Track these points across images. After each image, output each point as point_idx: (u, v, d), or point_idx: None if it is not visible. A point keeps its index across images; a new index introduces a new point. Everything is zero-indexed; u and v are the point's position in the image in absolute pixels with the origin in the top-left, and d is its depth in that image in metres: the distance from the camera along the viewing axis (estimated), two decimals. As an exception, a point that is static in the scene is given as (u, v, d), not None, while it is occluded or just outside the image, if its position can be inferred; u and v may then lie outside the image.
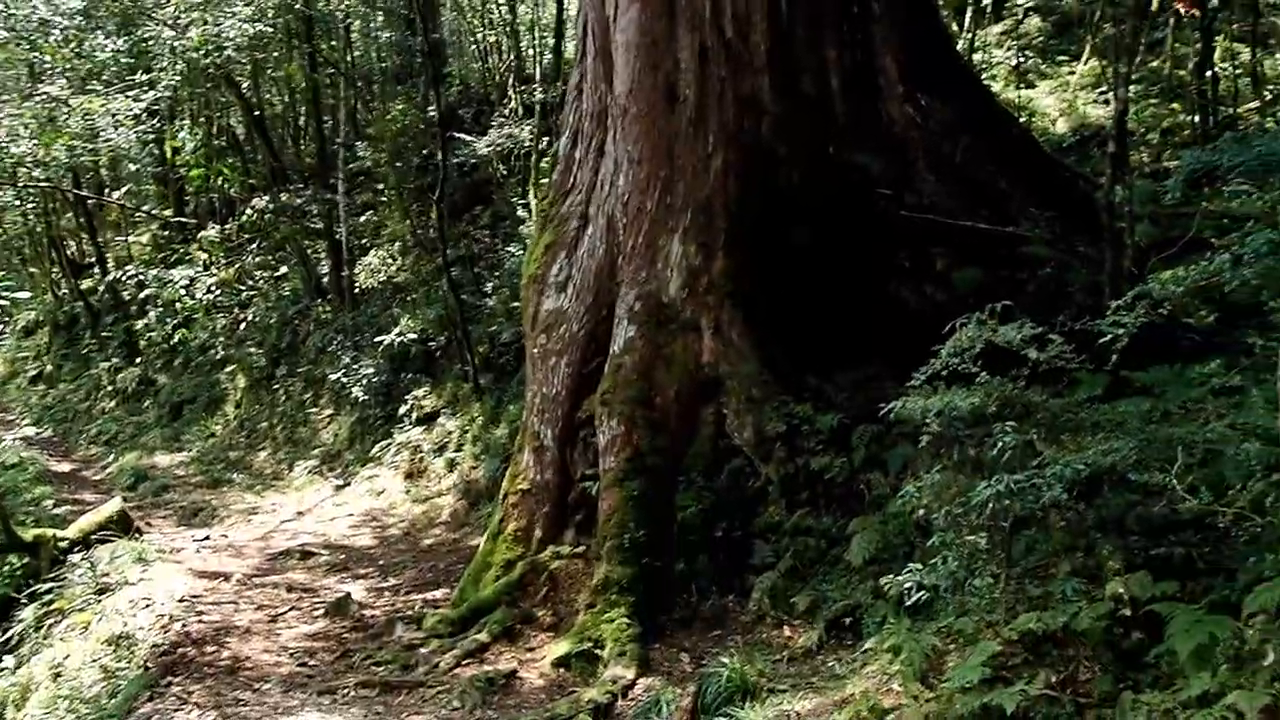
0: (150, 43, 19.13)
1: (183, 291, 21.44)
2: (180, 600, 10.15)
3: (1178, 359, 6.85)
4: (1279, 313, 4.10)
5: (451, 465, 14.45)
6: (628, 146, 9.43)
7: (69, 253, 29.41)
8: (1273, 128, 10.02)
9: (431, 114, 17.44)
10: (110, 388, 24.26)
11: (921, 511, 6.01)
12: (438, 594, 10.43)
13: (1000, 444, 5.46)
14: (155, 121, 21.54)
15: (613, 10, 9.59)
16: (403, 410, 15.94)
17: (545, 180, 13.77)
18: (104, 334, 25.75)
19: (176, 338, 22.63)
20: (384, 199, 20.42)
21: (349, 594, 10.25)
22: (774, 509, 8.53)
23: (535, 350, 9.95)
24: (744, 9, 9.52)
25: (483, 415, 14.45)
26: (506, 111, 19.48)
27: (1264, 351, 4.44)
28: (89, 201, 26.46)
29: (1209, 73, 12.49)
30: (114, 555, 11.18)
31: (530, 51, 21.59)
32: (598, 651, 7.79)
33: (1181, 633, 4.62)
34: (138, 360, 24.16)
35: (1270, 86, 13.42)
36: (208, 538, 13.39)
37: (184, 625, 9.39)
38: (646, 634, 7.92)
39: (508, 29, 22.27)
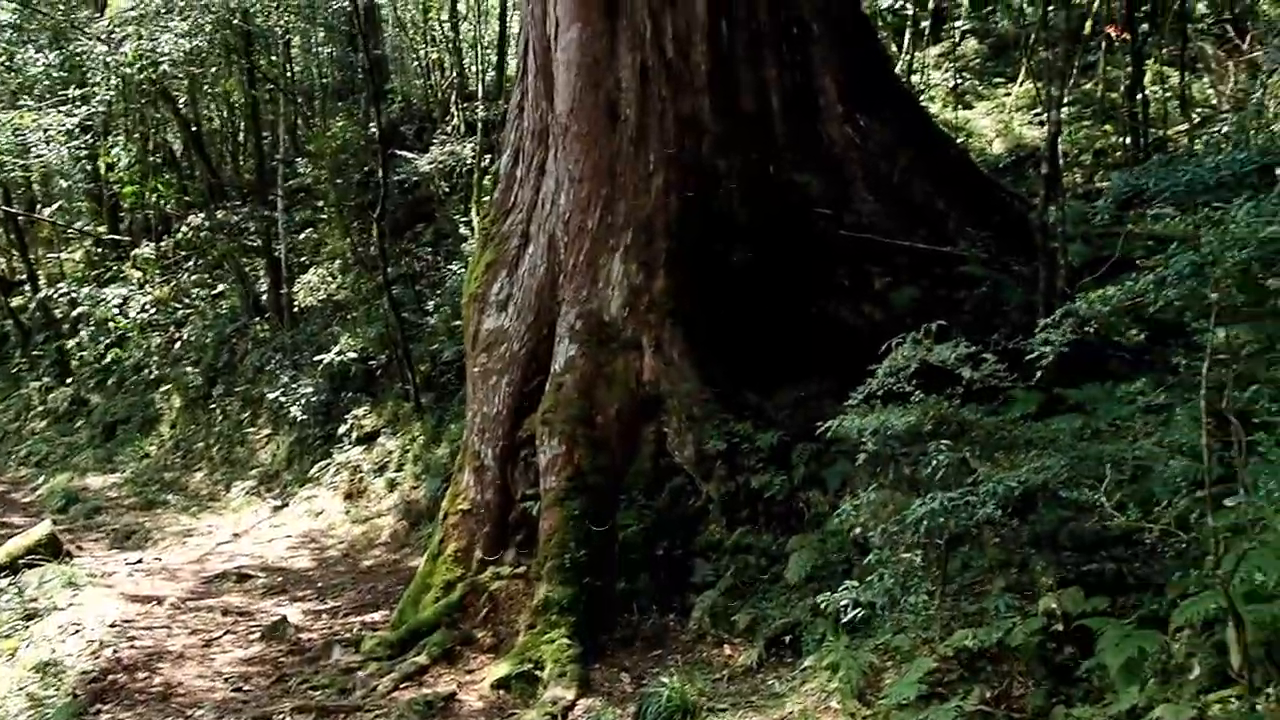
0: (83, 57, 18.82)
1: (116, 310, 21.07)
2: (111, 625, 9.93)
3: (1109, 377, 6.99)
4: (1202, 333, 4.17)
5: (392, 485, 14.31)
6: (569, 165, 9.44)
7: (-1, 269, 28.82)
8: (1200, 150, 10.25)
9: (373, 131, 17.35)
10: (41, 408, 23.75)
11: (858, 529, 6.07)
12: (377, 616, 10.31)
13: (935, 462, 5.52)
14: (88, 137, 21.21)
15: (554, 29, 9.61)
16: (342, 430, 15.76)
17: (488, 198, 13.75)
18: (35, 353, 25.22)
19: (109, 357, 22.22)
20: (324, 216, 20.26)
21: (285, 617, 10.10)
22: (715, 527, 8.54)
23: (476, 369, 9.90)
24: (684, 29, 9.58)
25: (424, 435, 14.34)
26: (449, 129, 19.42)
27: (1189, 371, 4.52)
28: (19, 218, 25.95)
29: (1140, 96, 12.78)
30: (43, 580, 10.91)
31: (473, 69, 21.56)
32: (538, 672, 7.73)
33: (1111, 647, 4.70)
34: (69, 380, 23.68)
35: (1199, 109, 13.75)
36: (141, 561, 13.13)
37: (115, 651, 9.18)
38: (587, 654, 7.88)
39: (450, 46, 22.25)
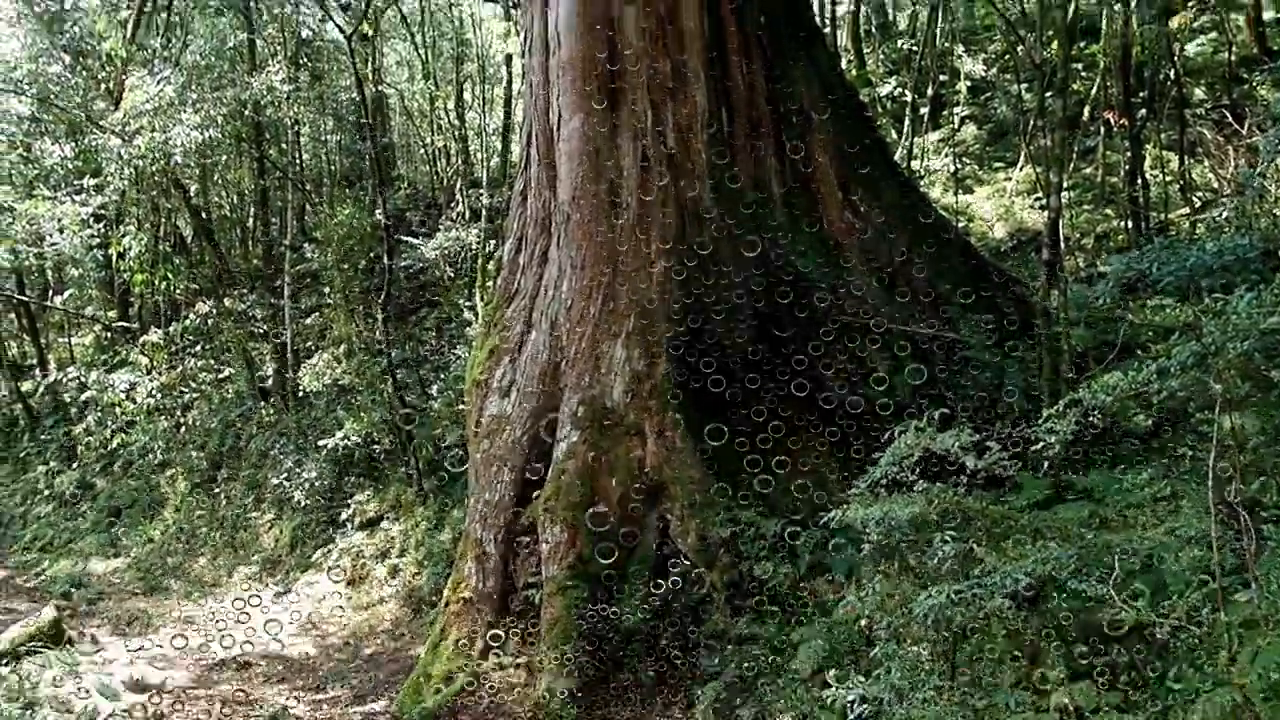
0: (98, 150, 19.08)
1: (123, 395, 21.10)
2: (110, 715, 9.78)
3: (1117, 464, 6.92)
4: (1208, 423, 4.12)
5: (394, 572, 14.16)
6: (571, 252, 9.50)
7: (10, 354, 28.94)
8: (1202, 235, 10.28)
9: (379, 217, 17.52)
10: (47, 492, 23.66)
11: (864, 621, 5.95)
12: (377, 706, 10.12)
13: (941, 553, 5.43)
14: (101, 226, 21.43)
15: (556, 120, 9.74)
16: (345, 515, 15.67)
17: (491, 284, 13.82)
18: (43, 437, 25.24)
19: (116, 441, 22.20)
20: (330, 301, 20.35)
21: (286, 707, 9.94)
22: (719, 616, 8.41)
23: (479, 455, 9.85)
24: (685, 119, 9.70)
25: (426, 520, 14.23)
26: (454, 215, 19.60)
27: (1195, 460, 4.47)
28: (31, 304, 26.19)
29: (1140, 180, 12.86)
30: (44, 668, 10.77)
31: (478, 155, 21.84)
32: (540, 768, 7.57)
33: (1125, 746, 4.57)
34: (76, 464, 23.65)
35: (1199, 194, 13.82)
36: (142, 648, 12.96)
37: (113, 742, 9.04)
38: (590, 749, 7.73)
39: (456, 134, 22.56)
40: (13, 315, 28.03)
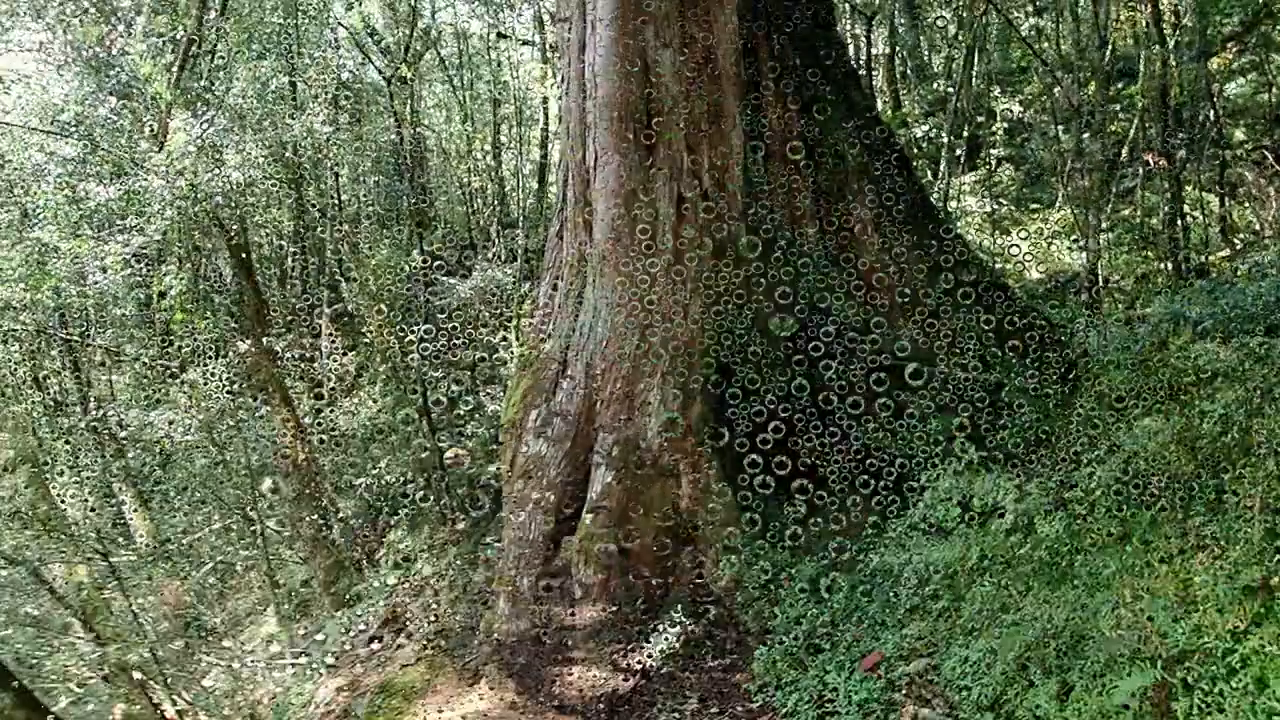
0: (142, 192, 19.38)
1: (162, 433, 21.30)
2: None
3: (1158, 508, 6.80)
4: (1253, 468, 4.05)
5: (427, 610, 14.12)
6: (606, 293, 9.51)
7: (51, 391, 29.27)
8: (1244, 276, 10.17)
9: (415, 256, 17.68)
10: (85, 528, 23.86)
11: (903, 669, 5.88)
12: (409, 748, 10.06)
13: (979, 596, 5.36)
14: (142, 265, 21.71)
15: (592, 162, 9.79)
16: (379, 553, 15.68)
17: (526, 323, 13.87)
18: (82, 473, 25.47)
19: (154, 479, 22.39)
20: (366, 340, 20.51)
21: (318, 750, 9.90)
22: (754, 658, 8.31)
23: (513, 495, 9.85)
24: (721, 161, 9.72)
25: (460, 559, 14.19)
26: (489, 255, 19.73)
27: (1240, 508, 4.38)
28: (73, 342, 26.53)
29: (1180, 221, 12.76)
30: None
31: (514, 196, 22.01)
32: (573, 812, 7.49)
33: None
34: (113, 502, 23.85)
35: (1240, 235, 13.70)
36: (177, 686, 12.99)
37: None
38: (624, 794, 7.64)
39: (492, 175, 22.76)
40: (54, 353, 28.38)
